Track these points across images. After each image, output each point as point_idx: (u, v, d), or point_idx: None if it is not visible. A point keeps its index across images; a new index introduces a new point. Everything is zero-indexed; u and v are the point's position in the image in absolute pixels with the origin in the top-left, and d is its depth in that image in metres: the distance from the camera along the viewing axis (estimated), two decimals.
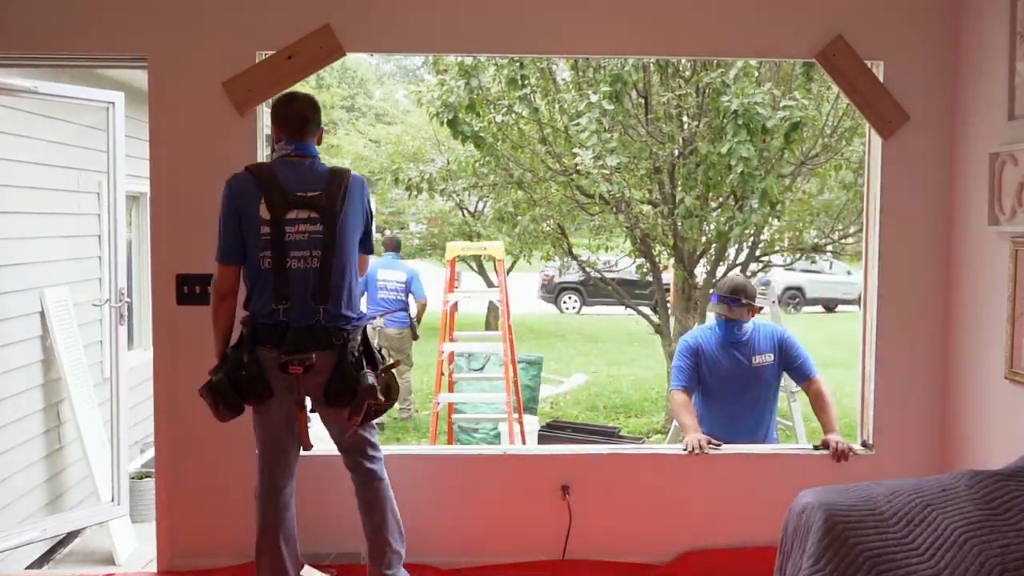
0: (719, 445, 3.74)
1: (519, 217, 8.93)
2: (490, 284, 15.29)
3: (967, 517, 2.36)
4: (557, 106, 7.80)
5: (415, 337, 8.84)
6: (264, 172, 3.09)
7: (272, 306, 3.05)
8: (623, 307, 8.43)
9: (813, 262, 10.55)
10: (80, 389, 4.53)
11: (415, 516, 3.70)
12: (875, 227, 3.74)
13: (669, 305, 8.86)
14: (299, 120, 3.17)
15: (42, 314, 4.43)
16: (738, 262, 8.41)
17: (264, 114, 3.61)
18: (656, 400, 10.17)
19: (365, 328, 3.24)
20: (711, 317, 4.46)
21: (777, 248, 8.88)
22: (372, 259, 5.32)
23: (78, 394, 4.50)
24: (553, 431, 6.58)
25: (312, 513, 3.65)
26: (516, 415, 7.10)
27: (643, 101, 7.55)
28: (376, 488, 3.26)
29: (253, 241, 3.06)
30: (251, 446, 3.66)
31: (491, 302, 15.34)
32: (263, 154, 3.60)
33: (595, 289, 14.49)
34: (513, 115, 7.88)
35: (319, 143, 3.25)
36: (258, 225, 3.04)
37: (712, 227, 7.40)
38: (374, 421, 3.25)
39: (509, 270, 15.44)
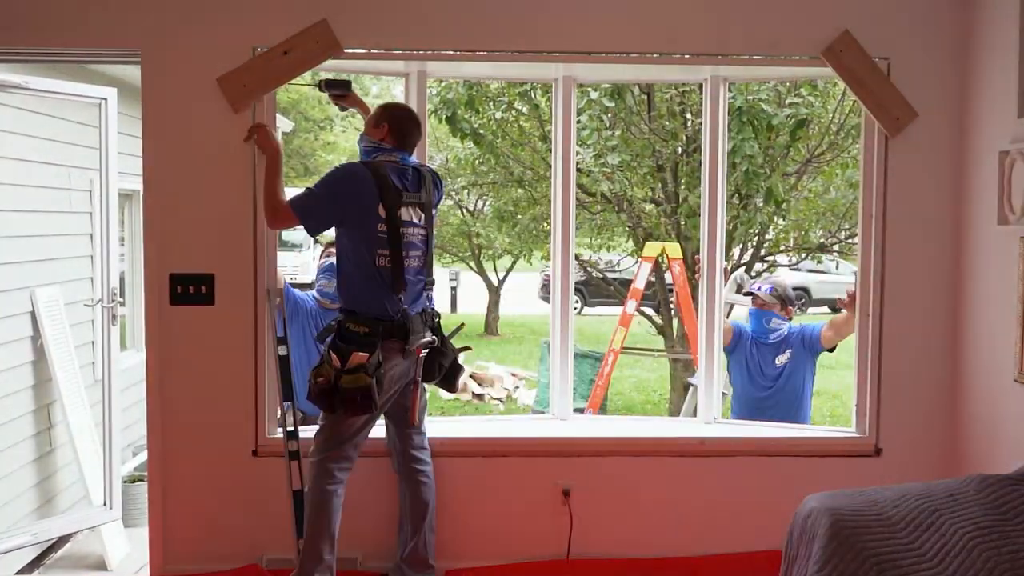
0: None
1: (519, 216, 8.93)
2: (490, 284, 15.30)
3: (976, 522, 2.36)
4: None
5: None
6: (382, 172, 3.27)
7: (393, 297, 3.27)
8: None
9: (819, 262, 10.54)
10: (72, 391, 4.53)
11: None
12: (875, 227, 3.74)
13: (672, 305, 8.86)
14: (416, 136, 3.46)
15: (33, 314, 4.43)
16: (743, 262, 8.40)
17: (259, 110, 3.61)
18: (658, 403, 10.17)
19: None
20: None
21: (782, 247, 8.87)
22: None
23: (69, 396, 4.49)
24: None
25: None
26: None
27: (645, 97, 7.54)
28: (431, 479, 3.57)
29: (366, 237, 3.23)
30: (246, 449, 3.67)
31: (490, 303, 15.34)
32: (258, 152, 3.59)
33: (596, 289, 14.45)
34: (513, 112, 7.87)
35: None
36: (375, 222, 3.22)
37: None
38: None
39: (509, 270, 15.52)
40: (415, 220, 3.34)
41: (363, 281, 3.27)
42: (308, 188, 3.30)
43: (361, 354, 3.16)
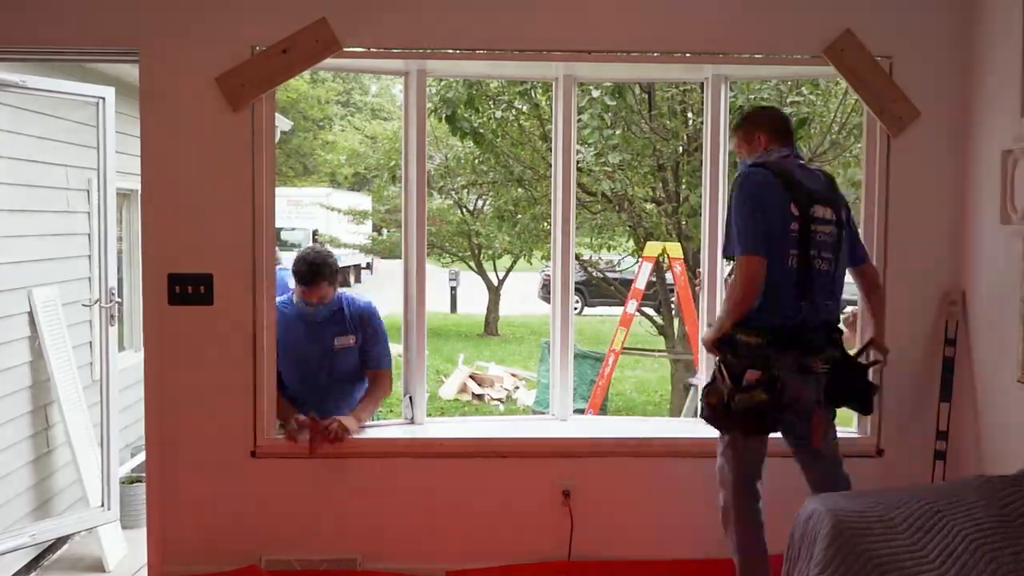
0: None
1: (519, 215, 8.94)
2: (490, 284, 15.30)
3: (978, 524, 2.36)
4: None
5: None
6: (785, 170, 3.15)
7: (796, 304, 3.06)
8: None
9: None
10: (69, 391, 4.53)
11: (415, 519, 3.71)
12: (877, 226, 3.73)
13: (673, 305, 8.86)
14: (788, 124, 3.37)
15: (30, 314, 4.42)
16: None
17: (258, 109, 3.60)
18: (659, 403, 10.17)
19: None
20: None
21: None
22: None
23: (67, 396, 4.49)
24: None
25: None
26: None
27: (646, 96, 7.54)
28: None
29: (780, 237, 3.07)
30: (244, 450, 3.66)
31: (489, 301, 15.33)
32: (257, 150, 3.59)
33: (597, 289, 14.45)
34: (513, 111, 7.87)
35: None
36: (787, 221, 3.07)
37: None
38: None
39: (509, 269, 15.52)
40: (826, 218, 3.15)
41: (771, 283, 3.06)
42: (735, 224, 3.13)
43: (755, 371, 3.00)
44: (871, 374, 3.34)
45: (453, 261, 15.77)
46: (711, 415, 3.12)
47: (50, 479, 4.68)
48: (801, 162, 3.34)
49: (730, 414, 3.03)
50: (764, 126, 3.33)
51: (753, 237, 3.05)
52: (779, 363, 3.01)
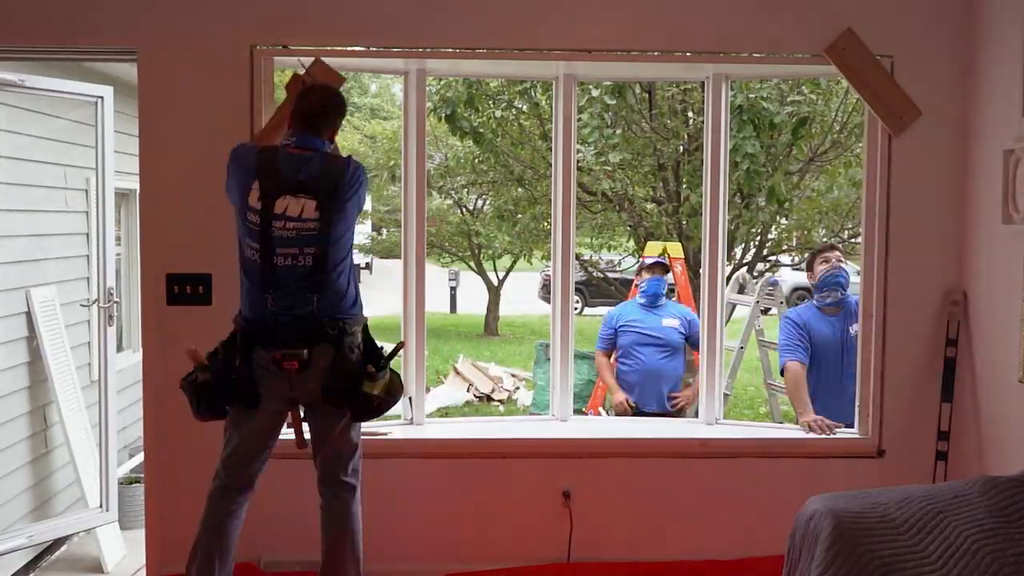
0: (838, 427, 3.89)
1: (519, 215, 8.94)
2: (490, 284, 15.30)
3: (980, 525, 2.36)
4: None
5: None
6: (265, 153, 3.03)
7: (262, 295, 3.00)
8: None
9: None
10: (67, 392, 4.53)
11: (414, 521, 3.71)
12: (878, 226, 3.73)
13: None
14: (307, 114, 3.10)
15: (28, 314, 4.42)
16: (745, 261, 8.41)
17: (259, 112, 3.60)
18: None
19: (367, 325, 3.17)
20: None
21: (785, 247, 8.87)
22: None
23: (65, 397, 4.49)
24: None
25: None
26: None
27: (647, 95, 7.55)
28: (349, 512, 3.14)
29: (240, 226, 3.04)
30: None
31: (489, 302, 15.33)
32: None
33: (597, 289, 14.46)
34: (513, 110, 7.87)
35: (330, 140, 3.16)
36: (246, 211, 3.00)
37: None
38: (368, 425, 3.21)
39: (509, 269, 15.53)
40: (297, 212, 2.98)
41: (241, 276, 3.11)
42: None
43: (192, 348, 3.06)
44: (377, 380, 3.06)
45: (453, 261, 15.78)
46: (184, 384, 3.09)
47: (48, 480, 4.68)
48: (302, 150, 3.05)
49: (193, 386, 3.06)
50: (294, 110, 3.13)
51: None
52: (254, 357, 3.00)
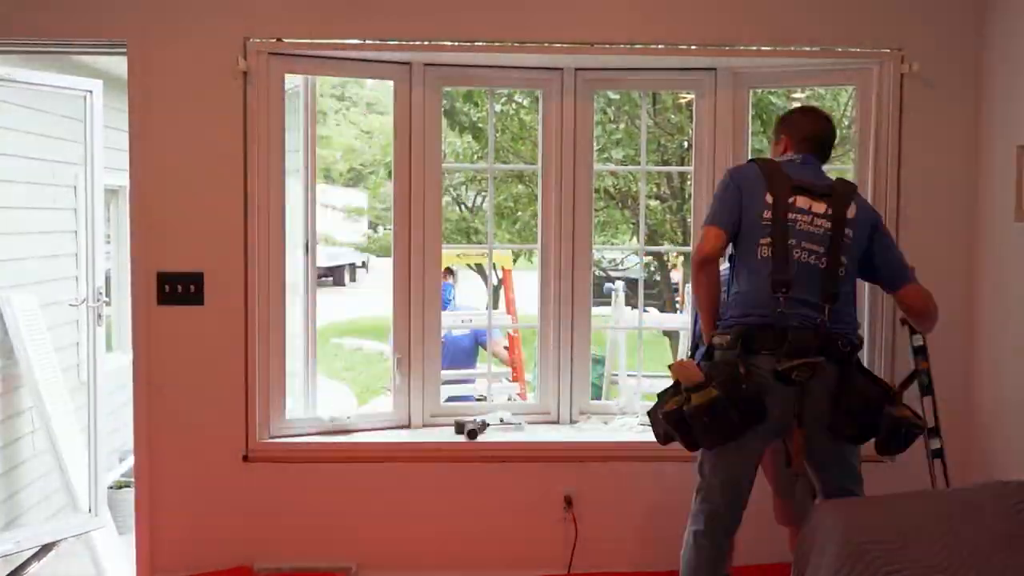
0: None
1: (519, 212, 8.94)
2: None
3: (992, 531, 2.36)
4: None
5: None
6: (775, 165, 3.00)
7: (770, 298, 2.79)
8: (629, 308, 8.45)
9: None
10: (54, 394, 4.52)
11: (412, 527, 3.71)
12: (888, 222, 3.72)
13: (678, 305, 8.87)
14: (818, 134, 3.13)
15: (13, 315, 4.42)
16: None
17: (252, 109, 3.60)
18: None
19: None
20: None
21: None
22: None
23: (52, 400, 4.49)
24: None
25: (296, 525, 3.65)
26: None
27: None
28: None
29: (751, 228, 2.89)
30: (236, 454, 3.66)
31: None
32: (248, 146, 3.59)
33: (599, 289, 14.47)
34: (513, 104, 7.88)
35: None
36: (760, 209, 2.88)
37: None
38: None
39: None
40: (812, 209, 2.89)
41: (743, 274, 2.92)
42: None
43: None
44: (898, 409, 2.93)
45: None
46: (690, 409, 2.74)
47: (36, 484, 4.67)
48: (809, 167, 3.06)
49: (702, 408, 2.72)
50: (791, 131, 3.16)
51: (713, 213, 2.98)
52: (745, 363, 2.76)
